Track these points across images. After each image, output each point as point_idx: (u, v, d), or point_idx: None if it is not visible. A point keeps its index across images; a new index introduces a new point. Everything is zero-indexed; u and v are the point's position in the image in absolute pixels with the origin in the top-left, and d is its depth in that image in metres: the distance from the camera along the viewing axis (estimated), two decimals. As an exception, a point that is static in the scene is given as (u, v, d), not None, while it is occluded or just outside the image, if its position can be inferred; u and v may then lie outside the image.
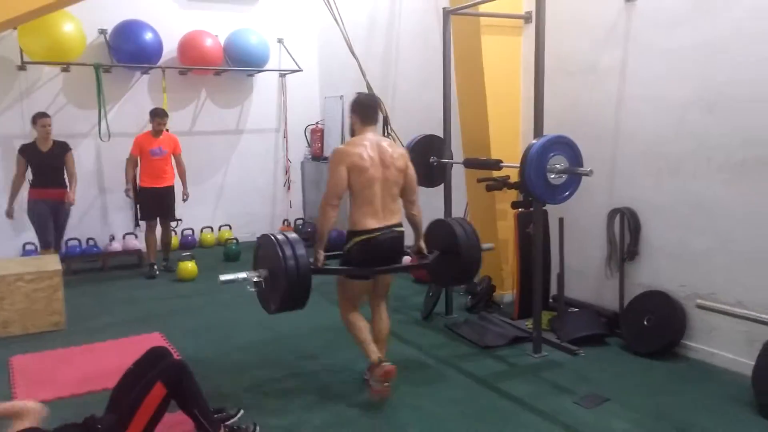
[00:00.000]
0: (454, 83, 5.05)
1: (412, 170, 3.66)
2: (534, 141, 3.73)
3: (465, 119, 5.22)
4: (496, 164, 4.30)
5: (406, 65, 6.57)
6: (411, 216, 3.72)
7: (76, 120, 7.03)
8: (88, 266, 6.78)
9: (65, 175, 5.97)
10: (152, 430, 2.68)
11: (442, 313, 4.91)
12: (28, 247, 6.86)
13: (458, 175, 5.16)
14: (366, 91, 5.60)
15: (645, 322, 4.04)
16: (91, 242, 7.10)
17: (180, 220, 7.24)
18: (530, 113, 4.73)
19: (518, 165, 3.83)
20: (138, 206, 6.67)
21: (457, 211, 5.06)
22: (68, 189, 5.94)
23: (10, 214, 5.93)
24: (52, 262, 4.88)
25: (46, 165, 5.84)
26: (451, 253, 3.81)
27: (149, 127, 6.48)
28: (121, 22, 6.94)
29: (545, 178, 3.66)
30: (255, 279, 3.37)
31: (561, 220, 4.29)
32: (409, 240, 3.78)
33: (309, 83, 8.29)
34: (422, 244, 3.82)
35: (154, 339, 4.38)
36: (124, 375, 2.91)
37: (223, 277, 3.33)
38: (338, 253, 3.61)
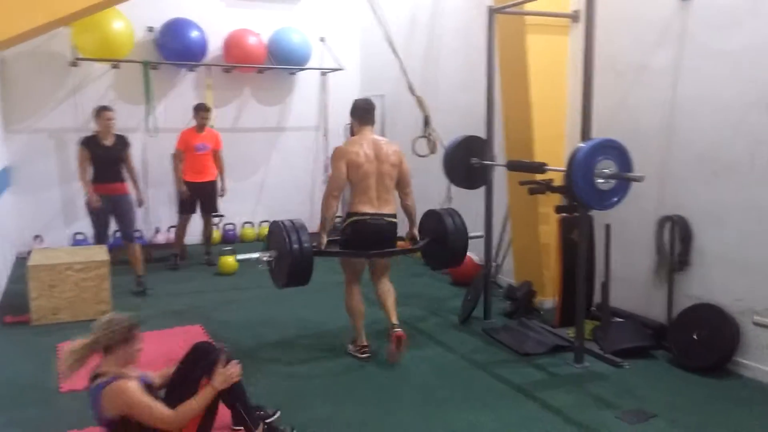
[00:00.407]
0: (498, 83, 4.95)
1: (405, 165, 4.13)
2: (581, 144, 3.62)
3: (508, 120, 5.11)
4: (540, 167, 4.19)
5: (447, 65, 6.49)
6: (405, 206, 4.29)
7: (124, 115, 7.11)
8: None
9: (123, 170, 5.78)
10: (209, 427, 2.72)
11: (480, 317, 4.83)
12: (78, 236, 7.05)
13: (499, 177, 5.06)
14: (408, 90, 5.53)
15: (695, 336, 3.87)
16: (137, 234, 7.24)
17: (222, 215, 7.32)
18: (577, 114, 4.61)
19: (563, 169, 3.73)
20: (179, 199, 6.77)
21: (498, 214, 4.97)
22: (126, 184, 5.76)
23: (92, 202, 5.54)
24: (100, 253, 5.01)
25: (108, 159, 5.61)
26: (441, 240, 4.29)
27: (193, 123, 6.56)
28: (169, 20, 7.06)
29: (592, 183, 3.55)
30: (265, 259, 3.90)
31: (608, 227, 4.15)
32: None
33: (350, 82, 8.27)
34: (415, 232, 4.31)
35: (195, 331, 4.45)
36: (173, 374, 2.91)
37: (240, 257, 4.13)
38: (338, 238, 4.21)
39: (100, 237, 5.64)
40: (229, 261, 6.24)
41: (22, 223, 6.83)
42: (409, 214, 4.28)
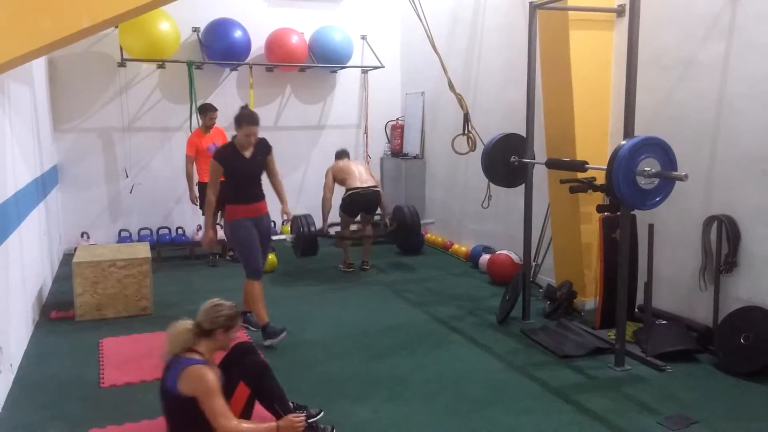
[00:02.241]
0: (539, 80, 4.87)
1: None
2: (623, 142, 3.53)
3: (549, 117, 5.03)
4: (582, 166, 4.10)
5: (488, 62, 6.42)
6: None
7: (170, 114, 7.36)
8: (177, 254, 7.05)
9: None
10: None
11: (518, 317, 4.76)
12: (123, 233, 7.25)
13: (539, 175, 4.98)
14: (448, 88, 5.51)
15: (742, 340, 3.73)
16: (180, 231, 7.42)
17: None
18: (620, 111, 4.52)
19: (605, 167, 3.65)
20: (200, 201, 6.64)
21: (538, 212, 4.90)
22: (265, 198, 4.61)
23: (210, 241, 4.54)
24: (142, 250, 5.12)
25: (251, 174, 4.40)
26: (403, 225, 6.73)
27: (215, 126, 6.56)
28: (213, 20, 7.18)
29: (635, 182, 3.46)
30: (289, 239, 6.66)
31: (651, 227, 4.04)
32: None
33: (391, 80, 8.28)
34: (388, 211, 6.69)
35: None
36: None
37: (274, 237, 6.11)
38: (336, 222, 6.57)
39: (255, 270, 4.41)
40: (269, 258, 6.31)
41: (69, 221, 7.05)
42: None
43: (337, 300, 5.40)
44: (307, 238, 6.30)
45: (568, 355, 4.04)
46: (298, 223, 6.37)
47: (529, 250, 4.86)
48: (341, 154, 6.56)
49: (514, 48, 5.85)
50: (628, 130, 3.69)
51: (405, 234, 6.67)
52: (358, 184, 6.17)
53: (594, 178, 4.48)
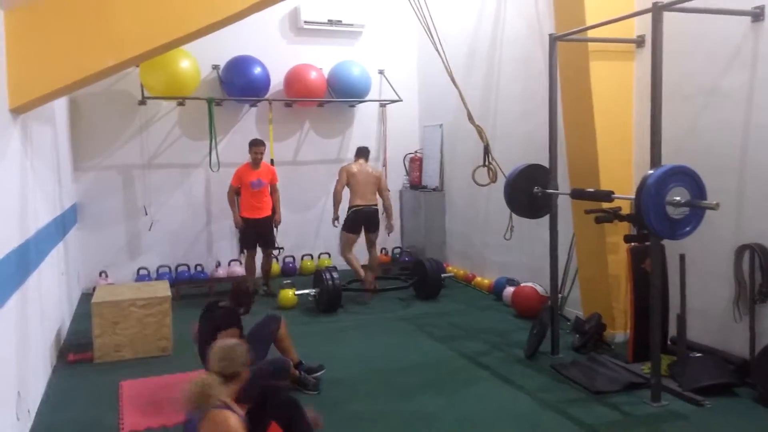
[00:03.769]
0: (560, 111, 4.84)
1: (383, 180, 6.83)
2: (650, 171, 3.46)
3: (572, 148, 4.98)
4: (608, 195, 4.04)
5: (507, 93, 6.42)
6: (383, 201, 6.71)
7: (189, 151, 7.40)
8: (195, 291, 7.01)
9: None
10: None
11: (547, 352, 4.64)
12: (141, 271, 7.24)
13: (563, 205, 4.91)
14: (468, 120, 5.51)
15: (782, 373, 3.60)
16: (198, 268, 7.40)
17: (282, 248, 7.39)
18: (644, 140, 4.47)
19: (632, 197, 3.59)
20: (239, 236, 6.86)
21: (563, 243, 4.81)
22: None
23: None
24: (162, 288, 5.08)
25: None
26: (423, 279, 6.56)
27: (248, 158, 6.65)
28: (233, 57, 7.27)
29: (664, 212, 3.38)
30: (312, 293, 6.15)
31: (682, 257, 3.94)
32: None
33: (408, 113, 8.30)
34: (392, 222, 6.83)
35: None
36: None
37: (298, 292, 6.22)
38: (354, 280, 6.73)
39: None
40: (289, 295, 6.26)
41: (88, 260, 7.04)
42: (385, 207, 6.74)
43: (359, 336, 5.32)
44: (331, 293, 5.95)
45: (601, 391, 3.92)
46: (322, 277, 6.02)
47: (556, 282, 4.77)
48: (360, 153, 6.73)
49: (532, 79, 5.85)
50: (655, 160, 3.63)
51: (425, 286, 6.48)
52: (360, 202, 6.53)
53: (620, 208, 4.41)
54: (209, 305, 3.98)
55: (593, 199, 4.30)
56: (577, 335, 4.82)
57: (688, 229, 3.47)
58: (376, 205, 6.59)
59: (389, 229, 6.79)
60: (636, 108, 4.75)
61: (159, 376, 4.40)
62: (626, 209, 4.59)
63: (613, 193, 4.02)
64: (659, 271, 3.78)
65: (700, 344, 4.21)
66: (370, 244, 6.70)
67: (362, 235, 6.69)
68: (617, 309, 4.89)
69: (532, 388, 4.04)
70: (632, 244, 4.32)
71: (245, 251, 6.79)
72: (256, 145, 6.52)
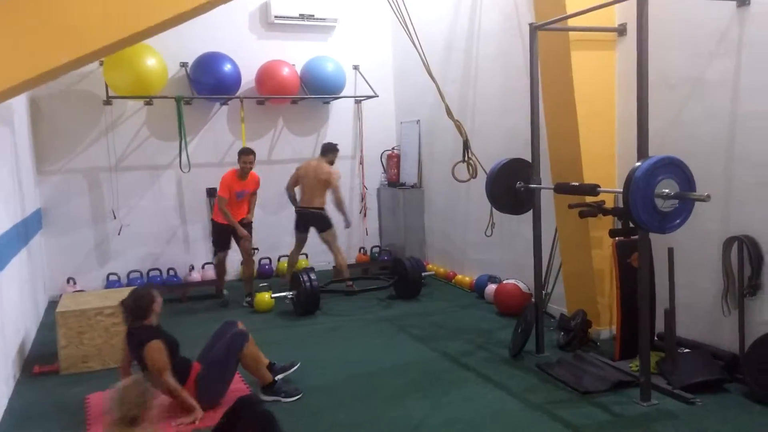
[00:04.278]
0: (541, 103, 4.72)
1: (334, 180, 6.57)
2: (638, 163, 3.35)
3: (553, 141, 4.87)
4: (593, 189, 3.92)
5: (486, 87, 6.29)
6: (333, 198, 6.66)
7: (158, 152, 7.15)
8: (169, 296, 6.71)
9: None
10: None
11: (531, 350, 4.53)
12: (111, 277, 6.97)
13: (545, 200, 4.79)
14: (446, 115, 5.36)
15: (773, 368, 3.52)
16: (171, 272, 7.15)
17: (256, 249, 7.19)
18: (627, 132, 4.39)
19: (617, 190, 3.48)
20: (213, 239, 6.56)
21: (545, 238, 4.69)
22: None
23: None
24: (130, 296, 4.84)
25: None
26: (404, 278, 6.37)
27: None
28: (202, 54, 7.04)
29: (653, 204, 3.27)
30: (290, 296, 5.95)
31: (671, 251, 3.84)
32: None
33: (385, 109, 8.14)
34: (349, 218, 6.83)
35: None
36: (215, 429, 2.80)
37: (274, 295, 6.02)
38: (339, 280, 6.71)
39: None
40: (265, 298, 6.06)
41: (54, 266, 6.75)
42: (338, 207, 6.69)
43: (339, 339, 5.14)
44: (309, 295, 5.75)
45: (589, 391, 3.80)
46: (299, 279, 5.80)
47: (540, 279, 4.65)
48: (322, 150, 6.71)
49: (512, 72, 5.73)
50: (642, 151, 3.51)
51: (405, 286, 6.30)
52: (302, 204, 6.64)
53: (603, 202, 4.31)
54: (129, 328, 3.76)
55: (578, 193, 4.19)
56: (562, 333, 4.72)
57: (677, 222, 3.36)
58: (318, 208, 6.57)
59: (346, 224, 6.79)
60: (619, 99, 4.65)
61: (128, 388, 4.17)
62: (610, 203, 4.50)
63: (598, 186, 3.91)
64: (647, 267, 3.68)
65: (688, 339, 4.12)
66: (328, 245, 6.69)
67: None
68: (602, 305, 4.79)
69: (519, 389, 3.91)
70: (618, 238, 4.21)
71: (217, 253, 6.49)
72: (245, 154, 6.12)
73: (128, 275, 7.05)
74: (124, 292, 4.98)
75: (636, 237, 3.91)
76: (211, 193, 7.34)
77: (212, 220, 6.39)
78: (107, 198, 7.00)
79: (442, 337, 5.04)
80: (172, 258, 7.23)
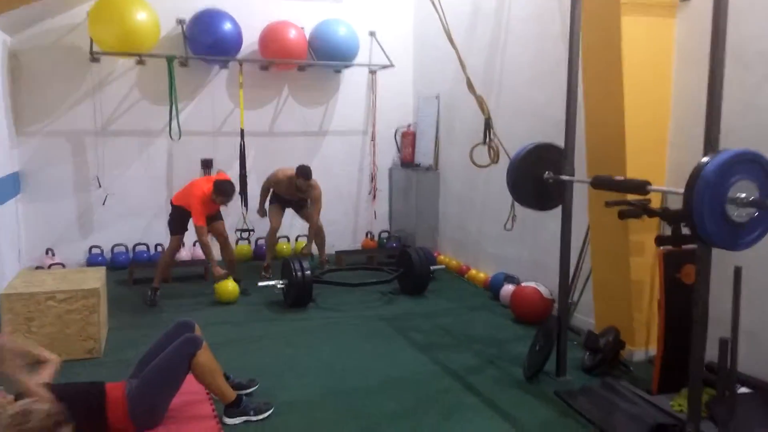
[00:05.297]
0: (581, 78, 3.95)
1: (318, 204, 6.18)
2: (705, 159, 2.58)
3: (593, 124, 4.09)
4: (642, 187, 3.15)
5: (515, 58, 5.50)
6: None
7: (149, 117, 6.52)
8: (153, 275, 6.12)
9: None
10: None
11: (551, 372, 3.82)
12: (94, 250, 6.41)
13: (576, 194, 4.03)
14: (467, 89, 4.61)
15: None
16: (159, 248, 6.56)
17: (252, 230, 6.56)
18: (683, 117, 3.64)
19: (676, 190, 2.73)
20: (170, 220, 5.55)
21: (574, 239, 3.95)
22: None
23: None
24: (93, 278, 4.23)
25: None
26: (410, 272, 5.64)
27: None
28: (200, 11, 6.35)
29: (724, 213, 2.52)
30: (280, 285, 5.24)
31: (738, 271, 3.08)
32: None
33: (402, 81, 7.38)
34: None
35: (193, 384, 3.52)
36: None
37: (261, 283, 5.28)
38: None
39: None
40: (228, 287, 5.30)
41: (32, 236, 6.20)
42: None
43: (328, 341, 4.48)
44: (300, 287, 5.08)
45: (621, 435, 3.09)
46: (290, 267, 5.14)
47: (566, 288, 3.92)
48: (298, 172, 5.89)
49: (546, 41, 4.94)
50: (712, 142, 2.75)
51: (411, 280, 5.60)
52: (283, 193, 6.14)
53: (649, 200, 3.54)
54: None
55: (623, 190, 3.42)
56: (589, 353, 4.00)
57: (754, 235, 2.60)
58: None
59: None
60: (676, 77, 3.86)
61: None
62: (656, 202, 3.75)
63: (649, 184, 3.14)
64: (706, 286, 2.92)
65: (749, 376, 3.37)
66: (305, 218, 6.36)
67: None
68: (638, 321, 4.05)
69: (532, 425, 3.21)
70: (666, 247, 3.46)
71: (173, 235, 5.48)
72: (223, 195, 5.25)
73: (112, 249, 6.48)
74: (87, 274, 4.43)
75: (689, 247, 3.18)
76: (206, 164, 6.71)
77: (171, 202, 5.53)
78: (92, 164, 6.40)
79: (446, 346, 4.36)
80: (161, 233, 6.58)
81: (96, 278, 4.23)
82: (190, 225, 5.42)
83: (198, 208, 5.19)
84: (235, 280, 5.60)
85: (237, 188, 6.29)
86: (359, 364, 4.02)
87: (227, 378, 3.37)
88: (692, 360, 2.92)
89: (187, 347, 3.03)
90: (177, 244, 5.46)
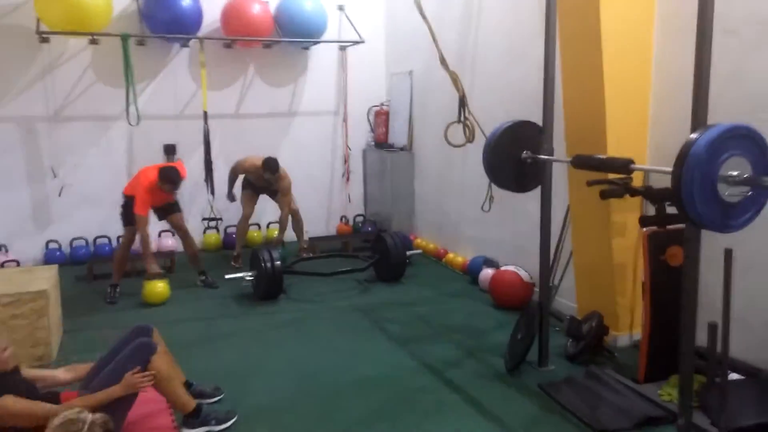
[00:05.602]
0: (558, 52, 3.71)
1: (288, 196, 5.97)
2: (694, 135, 2.36)
3: (571, 100, 3.87)
4: (626, 166, 2.94)
5: (489, 32, 5.24)
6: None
7: (106, 101, 6.15)
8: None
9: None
10: None
11: (533, 362, 3.64)
12: (51, 245, 6.07)
13: (555, 174, 3.82)
14: (440, 65, 4.36)
15: None
16: (122, 241, 6.23)
17: (220, 218, 6.28)
18: (665, 91, 3.46)
19: (664, 169, 2.52)
20: (122, 212, 5.13)
21: (554, 220, 3.75)
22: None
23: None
24: (41, 279, 3.92)
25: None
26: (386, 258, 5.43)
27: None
28: (156, -14, 5.96)
29: (715, 192, 2.32)
30: (248, 277, 4.99)
31: (728, 253, 2.89)
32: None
33: (373, 58, 7.09)
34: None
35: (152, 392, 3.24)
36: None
37: (228, 276, 5.06)
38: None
39: None
40: (157, 288, 4.89)
41: (-18, 231, 5.86)
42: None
43: (299, 336, 4.25)
44: (269, 278, 4.84)
45: (607, 429, 2.92)
46: (259, 258, 4.90)
47: (547, 273, 3.73)
48: (264, 166, 5.68)
49: (523, 13, 4.69)
50: (700, 117, 2.54)
51: (386, 267, 5.40)
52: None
53: (631, 179, 3.34)
54: None
55: (606, 169, 3.21)
56: (571, 340, 3.82)
57: (746, 216, 2.42)
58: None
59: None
60: (657, 49, 3.64)
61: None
62: (639, 181, 3.56)
63: (632, 162, 2.93)
64: (695, 270, 2.74)
65: (741, 362, 3.21)
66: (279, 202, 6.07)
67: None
68: (622, 306, 3.88)
69: (516, 422, 3.03)
70: (651, 227, 3.27)
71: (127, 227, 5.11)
72: (172, 183, 4.88)
73: (71, 243, 6.15)
74: (35, 274, 4.13)
75: (674, 227, 2.99)
76: (169, 150, 6.39)
77: (123, 192, 5.17)
78: (45, 153, 6.04)
79: (424, 338, 4.15)
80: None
81: (45, 278, 3.93)
82: (152, 215, 5.11)
83: (143, 196, 4.84)
84: (201, 272, 5.34)
85: (203, 175, 6.03)
86: (332, 363, 3.80)
87: (190, 386, 3.14)
88: (683, 350, 2.75)
89: (140, 353, 2.77)
90: (132, 236, 5.11)
